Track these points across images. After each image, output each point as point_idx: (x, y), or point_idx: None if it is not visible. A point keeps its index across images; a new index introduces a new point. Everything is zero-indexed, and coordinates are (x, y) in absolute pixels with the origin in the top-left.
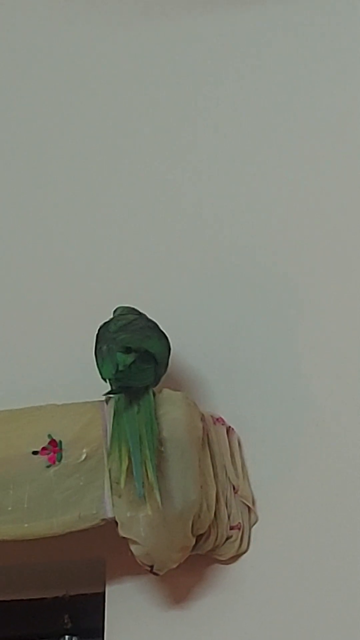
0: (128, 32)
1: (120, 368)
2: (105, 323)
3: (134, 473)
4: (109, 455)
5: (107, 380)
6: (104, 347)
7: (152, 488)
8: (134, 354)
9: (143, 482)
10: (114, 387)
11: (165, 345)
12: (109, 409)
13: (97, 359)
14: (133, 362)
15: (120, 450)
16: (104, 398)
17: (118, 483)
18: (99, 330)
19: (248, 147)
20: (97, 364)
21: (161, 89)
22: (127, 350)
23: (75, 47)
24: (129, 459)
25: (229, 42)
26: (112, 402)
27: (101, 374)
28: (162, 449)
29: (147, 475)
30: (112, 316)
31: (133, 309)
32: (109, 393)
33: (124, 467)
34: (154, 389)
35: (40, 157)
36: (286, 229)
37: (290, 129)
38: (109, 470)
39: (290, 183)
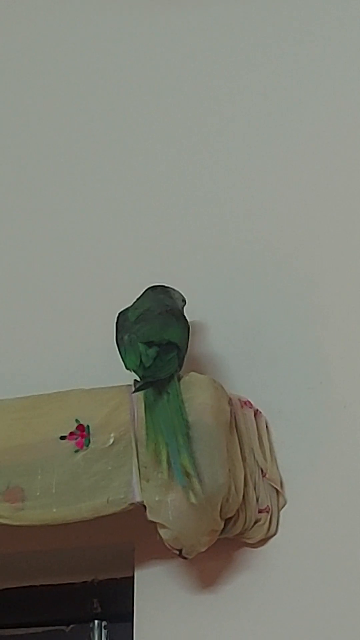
0: (130, 23)
1: (146, 364)
2: (123, 312)
3: (173, 464)
4: (146, 447)
5: (132, 370)
6: (125, 337)
7: (191, 475)
8: (156, 348)
9: (182, 472)
10: (141, 382)
11: (184, 327)
12: (137, 396)
13: (119, 348)
14: (157, 355)
15: (157, 443)
16: (131, 382)
17: (146, 467)
18: (117, 318)
19: (275, 137)
20: (120, 354)
21: (183, 71)
22: (149, 344)
23: (78, 37)
24: (167, 450)
25: (230, 33)
26: (140, 393)
27: (125, 365)
28: (190, 433)
29: (184, 464)
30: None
31: (154, 288)
32: (137, 389)
33: (164, 457)
34: (179, 373)
35: (62, 141)
36: (307, 216)
37: (310, 119)
38: (137, 455)
39: (317, 172)
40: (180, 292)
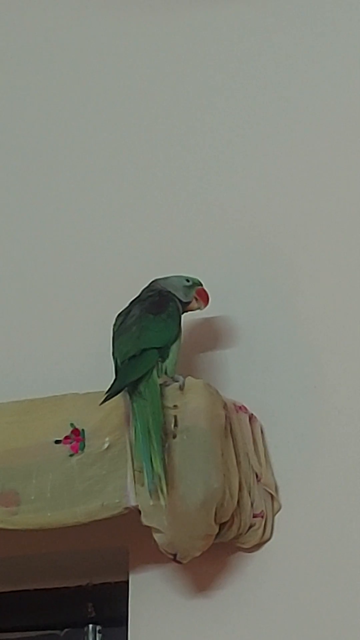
0: (130, 24)
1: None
2: (118, 315)
3: (144, 467)
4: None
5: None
6: (113, 350)
7: (161, 480)
8: (131, 358)
9: (152, 476)
10: (110, 388)
11: (166, 320)
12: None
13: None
14: (130, 360)
15: (134, 448)
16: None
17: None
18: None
19: (275, 136)
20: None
21: (182, 69)
22: (124, 361)
23: (78, 38)
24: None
25: (230, 33)
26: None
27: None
28: (185, 437)
29: (153, 468)
30: None
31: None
32: (106, 398)
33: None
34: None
35: (63, 140)
36: (305, 219)
37: (309, 118)
38: (132, 459)
39: (318, 172)
40: (188, 276)
